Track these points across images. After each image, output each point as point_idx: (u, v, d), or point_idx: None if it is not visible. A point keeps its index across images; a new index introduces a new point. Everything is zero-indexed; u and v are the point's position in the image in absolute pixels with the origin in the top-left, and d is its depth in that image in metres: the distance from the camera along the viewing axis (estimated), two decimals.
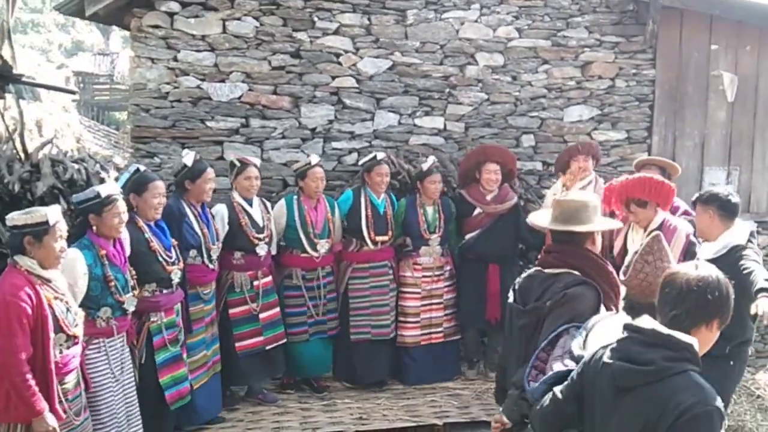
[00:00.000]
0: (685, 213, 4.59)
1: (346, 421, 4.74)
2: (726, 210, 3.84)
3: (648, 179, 4.12)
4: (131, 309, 3.71)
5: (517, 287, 2.95)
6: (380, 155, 5.32)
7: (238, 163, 4.81)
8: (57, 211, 3.20)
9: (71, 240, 3.44)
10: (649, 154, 6.30)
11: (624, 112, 6.37)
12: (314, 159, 5.16)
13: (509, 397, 2.64)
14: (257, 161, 4.93)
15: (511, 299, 2.94)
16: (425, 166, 5.34)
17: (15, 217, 3.13)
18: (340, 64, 5.81)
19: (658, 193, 4.07)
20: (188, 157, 4.47)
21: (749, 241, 3.80)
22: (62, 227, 3.20)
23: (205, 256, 4.42)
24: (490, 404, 5.06)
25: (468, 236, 5.45)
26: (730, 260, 3.59)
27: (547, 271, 2.85)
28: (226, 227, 4.70)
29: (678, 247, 3.97)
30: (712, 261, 3.17)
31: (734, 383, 4.08)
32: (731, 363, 3.79)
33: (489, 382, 5.39)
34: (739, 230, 3.84)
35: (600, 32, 6.25)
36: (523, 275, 2.99)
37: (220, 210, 4.72)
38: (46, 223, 3.12)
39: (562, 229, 2.85)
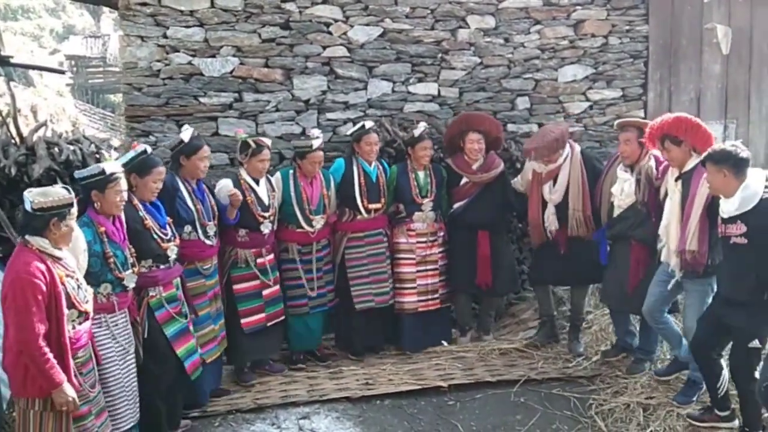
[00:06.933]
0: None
1: (352, 387, 4.79)
2: (739, 167, 3.75)
3: (686, 119, 4.15)
4: (131, 285, 3.73)
5: None
6: (368, 124, 5.32)
7: (253, 145, 4.78)
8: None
9: None
10: (645, 111, 6.30)
11: (618, 69, 6.34)
12: (316, 143, 5.04)
13: None
14: (269, 141, 4.92)
15: None
16: (416, 133, 5.35)
17: (41, 200, 3.11)
18: (330, 33, 5.77)
19: (694, 135, 4.09)
20: (186, 133, 4.47)
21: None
22: (75, 208, 3.26)
23: (200, 231, 4.41)
24: (494, 365, 5.12)
25: (456, 205, 5.46)
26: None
27: None
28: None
29: (702, 196, 4.02)
30: (748, 215, 3.52)
31: None
32: None
33: (492, 344, 5.47)
34: (757, 180, 3.76)
35: None
36: None
37: (226, 184, 4.68)
38: (72, 204, 3.18)
39: None
